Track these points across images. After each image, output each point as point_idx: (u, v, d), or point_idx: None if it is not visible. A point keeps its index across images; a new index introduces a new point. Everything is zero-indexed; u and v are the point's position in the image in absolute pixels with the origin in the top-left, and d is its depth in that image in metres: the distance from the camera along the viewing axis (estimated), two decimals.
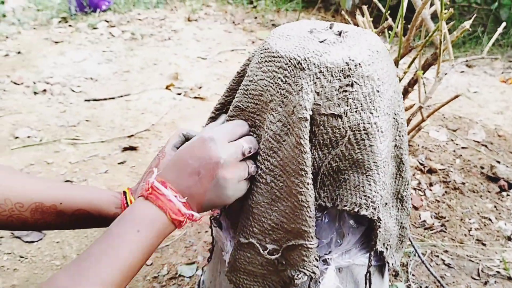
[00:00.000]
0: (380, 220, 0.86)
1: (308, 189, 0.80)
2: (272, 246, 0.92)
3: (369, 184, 0.83)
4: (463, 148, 2.26)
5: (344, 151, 0.82)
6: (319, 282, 0.97)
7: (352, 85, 0.78)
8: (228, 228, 1.06)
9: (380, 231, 0.90)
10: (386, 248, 0.99)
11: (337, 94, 0.78)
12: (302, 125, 0.78)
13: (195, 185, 0.73)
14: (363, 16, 1.49)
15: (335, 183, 0.85)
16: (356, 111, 0.79)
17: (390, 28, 1.48)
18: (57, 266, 1.49)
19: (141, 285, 1.43)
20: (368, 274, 0.97)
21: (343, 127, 0.79)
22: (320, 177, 0.84)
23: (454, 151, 2.22)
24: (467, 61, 1.52)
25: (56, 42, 3.32)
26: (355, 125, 0.80)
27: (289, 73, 0.81)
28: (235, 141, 0.77)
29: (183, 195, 0.72)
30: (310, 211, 0.82)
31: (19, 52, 3.09)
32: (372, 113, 0.79)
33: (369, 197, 0.83)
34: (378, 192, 0.83)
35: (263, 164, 0.85)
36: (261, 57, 0.87)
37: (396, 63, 1.55)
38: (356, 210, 0.84)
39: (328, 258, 0.94)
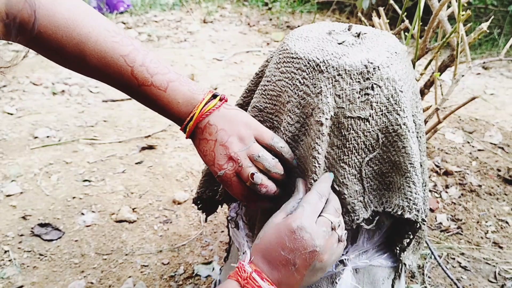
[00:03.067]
0: (425, 222, 0.85)
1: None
2: None
3: (409, 186, 0.83)
4: (479, 150, 2.25)
5: (382, 154, 0.82)
6: (336, 282, 0.98)
7: (372, 88, 0.78)
8: (244, 228, 1.08)
9: (420, 234, 0.90)
10: (405, 250, 0.99)
11: (359, 97, 0.79)
12: (317, 129, 0.79)
13: (292, 275, 0.71)
14: (379, 18, 1.49)
15: (382, 186, 0.85)
16: (382, 114, 0.79)
17: (406, 29, 1.48)
18: (76, 264, 1.51)
19: (158, 284, 1.45)
20: (395, 275, 0.98)
21: (373, 130, 0.80)
22: (366, 181, 0.84)
23: (470, 153, 2.21)
24: (484, 63, 1.51)
25: None
26: (384, 127, 0.80)
27: (307, 74, 0.82)
28: (324, 219, 0.75)
29: (279, 285, 0.71)
30: None
31: (38, 53, 3.13)
32: (399, 114, 0.79)
33: (410, 199, 0.83)
34: (418, 194, 0.83)
35: (282, 164, 0.86)
36: (280, 58, 0.88)
37: (413, 64, 1.55)
38: (399, 213, 0.84)
39: (345, 259, 0.95)
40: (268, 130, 0.83)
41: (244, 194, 0.81)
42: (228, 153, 0.78)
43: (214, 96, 0.81)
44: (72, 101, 2.56)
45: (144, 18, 3.97)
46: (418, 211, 0.83)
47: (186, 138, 0.82)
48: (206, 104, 0.79)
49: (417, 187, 0.83)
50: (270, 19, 4.27)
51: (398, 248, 0.93)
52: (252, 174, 0.77)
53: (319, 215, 0.75)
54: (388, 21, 1.51)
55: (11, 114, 2.37)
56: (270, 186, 0.80)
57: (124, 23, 3.79)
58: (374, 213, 0.87)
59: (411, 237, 0.90)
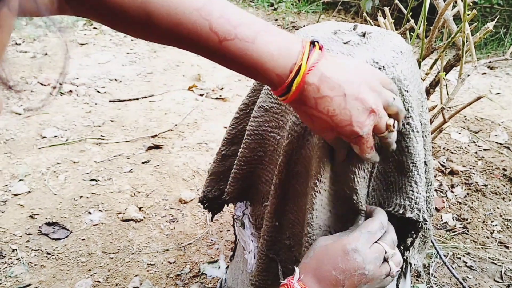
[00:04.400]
0: (426, 222, 0.86)
1: (317, 191, 0.81)
2: (289, 241, 0.93)
3: (411, 186, 0.83)
4: (485, 150, 2.24)
5: (387, 154, 0.83)
6: None
7: None
8: (250, 227, 1.08)
9: (425, 233, 0.90)
10: (408, 249, 0.99)
11: None
12: None
13: None
14: (384, 18, 1.50)
15: (382, 186, 0.86)
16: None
17: (412, 29, 1.49)
18: (83, 263, 1.52)
19: (164, 283, 1.46)
20: (400, 274, 0.98)
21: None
22: (373, 180, 0.84)
23: (476, 153, 2.21)
24: (490, 62, 1.51)
25: (81, 44, 3.38)
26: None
27: None
28: (379, 246, 0.74)
29: None
30: (313, 217, 0.82)
31: (45, 54, 3.16)
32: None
33: (412, 198, 0.83)
34: (420, 193, 0.83)
35: (287, 163, 0.87)
36: None
37: (418, 64, 1.55)
38: (400, 212, 0.84)
39: None
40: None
41: (373, 147, 0.72)
42: (368, 106, 0.66)
43: (313, 43, 0.67)
44: (80, 101, 2.57)
45: None
46: (419, 210, 0.83)
47: (289, 101, 0.67)
48: (310, 53, 0.65)
49: (419, 187, 0.83)
50: (276, 20, 4.28)
51: (401, 247, 0.94)
52: (390, 124, 0.70)
53: (375, 242, 0.75)
54: (393, 21, 1.51)
55: (19, 114, 2.39)
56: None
57: None
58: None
59: (414, 236, 0.90)
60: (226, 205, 1.17)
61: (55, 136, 2.21)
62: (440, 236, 1.69)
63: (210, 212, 1.23)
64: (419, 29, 1.40)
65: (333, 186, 0.83)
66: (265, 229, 0.94)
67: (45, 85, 2.72)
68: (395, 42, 0.87)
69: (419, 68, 1.57)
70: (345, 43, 0.86)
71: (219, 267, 1.49)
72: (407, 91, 0.81)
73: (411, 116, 0.80)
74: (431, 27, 1.42)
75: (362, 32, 0.89)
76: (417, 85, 0.87)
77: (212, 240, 1.63)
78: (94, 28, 3.72)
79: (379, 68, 0.79)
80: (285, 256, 0.96)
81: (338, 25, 0.95)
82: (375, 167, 0.83)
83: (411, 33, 1.56)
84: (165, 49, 3.41)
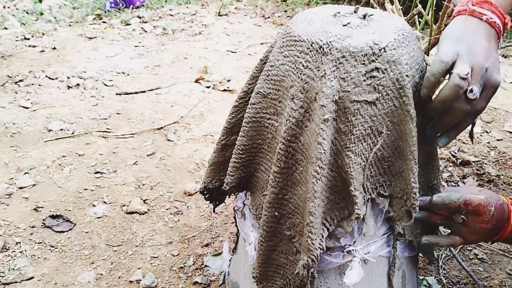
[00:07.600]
0: (415, 208, 0.84)
1: (318, 179, 0.78)
2: (290, 232, 0.90)
3: (408, 172, 0.81)
4: (498, 140, 2.19)
5: (386, 139, 0.80)
6: (344, 273, 0.96)
7: (378, 70, 0.75)
8: (251, 218, 1.06)
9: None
10: (416, 236, 0.96)
11: (365, 80, 0.76)
12: (321, 113, 0.76)
13: None
14: (392, 4, 1.46)
15: (377, 171, 0.83)
16: (388, 98, 0.76)
17: (420, 15, 1.44)
18: (86, 255, 1.51)
19: (168, 276, 1.44)
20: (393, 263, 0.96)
21: (379, 115, 0.77)
22: (368, 168, 0.81)
23: (488, 143, 2.16)
24: (503, 48, 1.46)
25: (90, 38, 3.37)
26: (389, 112, 0.77)
27: (310, 57, 0.79)
28: None
29: None
30: (315, 206, 0.79)
31: (54, 48, 3.16)
32: (403, 100, 0.77)
33: (408, 184, 0.82)
34: (415, 182, 0.81)
35: (286, 150, 0.84)
36: (283, 42, 0.86)
37: (427, 52, 1.51)
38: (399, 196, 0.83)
39: (353, 250, 0.92)
40: None
41: None
42: None
43: None
44: (87, 94, 2.56)
45: (159, 12, 3.97)
46: (415, 194, 0.82)
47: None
48: None
49: (415, 175, 0.81)
50: (285, 11, 4.24)
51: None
52: None
53: None
54: (401, 7, 1.47)
55: (27, 108, 2.38)
56: None
57: (139, 17, 3.80)
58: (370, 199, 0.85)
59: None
60: (228, 196, 1.15)
61: (61, 129, 2.20)
62: None
63: (211, 203, 1.21)
64: (427, 15, 1.36)
65: (331, 172, 0.81)
66: (264, 219, 0.91)
67: (53, 78, 2.71)
68: (397, 25, 0.84)
69: (428, 55, 1.53)
70: (344, 25, 0.83)
71: (223, 260, 1.47)
72: (408, 76, 0.77)
73: (410, 104, 0.77)
74: (440, 13, 1.38)
75: (363, 15, 0.86)
76: (420, 70, 0.84)
77: (216, 233, 1.61)
78: (103, 22, 3.72)
79: (379, 50, 0.75)
80: (285, 248, 0.94)
81: (339, 8, 0.92)
82: (371, 155, 0.80)
83: (420, 19, 1.52)
84: (173, 42, 3.39)
